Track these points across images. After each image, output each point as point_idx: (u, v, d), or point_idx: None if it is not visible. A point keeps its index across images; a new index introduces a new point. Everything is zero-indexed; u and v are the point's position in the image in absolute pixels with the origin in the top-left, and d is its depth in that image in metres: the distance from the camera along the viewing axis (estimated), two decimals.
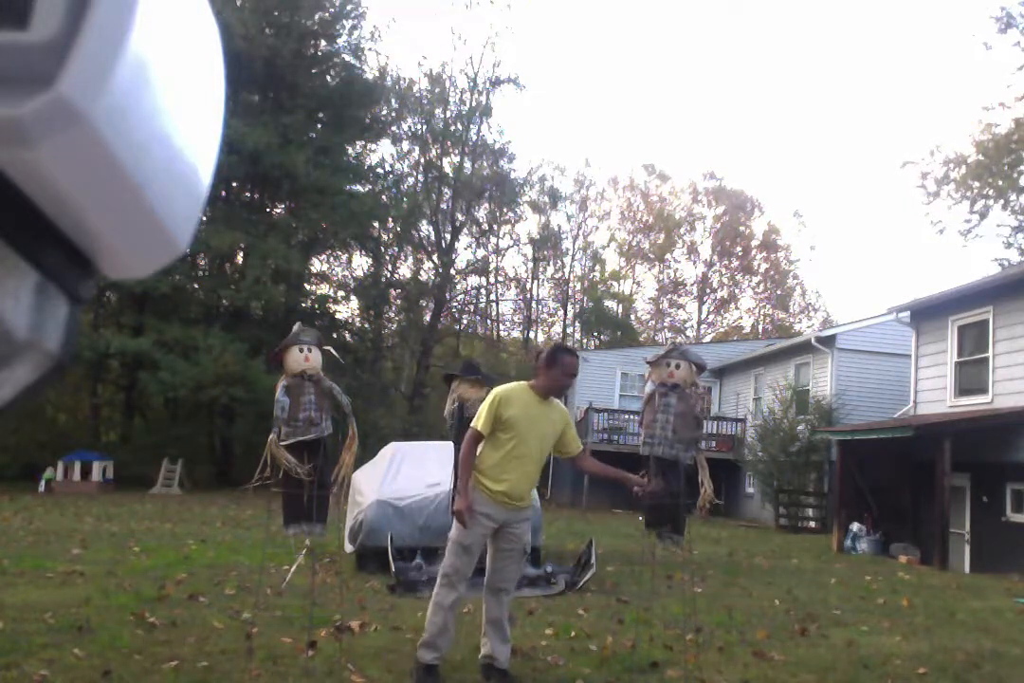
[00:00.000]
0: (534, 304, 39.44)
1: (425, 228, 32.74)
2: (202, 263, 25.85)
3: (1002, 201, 24.51)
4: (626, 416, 20.61)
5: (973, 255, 71.24)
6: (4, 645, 4.60)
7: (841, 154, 66.85)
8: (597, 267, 41.54)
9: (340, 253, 30.52)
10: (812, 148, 66.53)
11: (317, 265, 29.64)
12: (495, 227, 35.47)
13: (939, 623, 6.58)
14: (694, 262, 43.01)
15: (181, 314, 24.40)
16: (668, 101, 66.77)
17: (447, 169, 32.37)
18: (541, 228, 38.23)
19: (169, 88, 0.39)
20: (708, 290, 42.65)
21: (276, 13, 24.96)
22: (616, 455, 16.85)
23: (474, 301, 37.29)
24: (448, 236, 32.21)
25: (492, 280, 37.74)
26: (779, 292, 43.48)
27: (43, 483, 19.92)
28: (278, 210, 27.52)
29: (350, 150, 27.62)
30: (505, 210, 34.78)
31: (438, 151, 32.47)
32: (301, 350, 4.72)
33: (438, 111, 32.33)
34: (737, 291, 43.41)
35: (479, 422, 4.23)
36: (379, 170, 29.36)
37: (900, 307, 14.41)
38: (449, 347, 34.55)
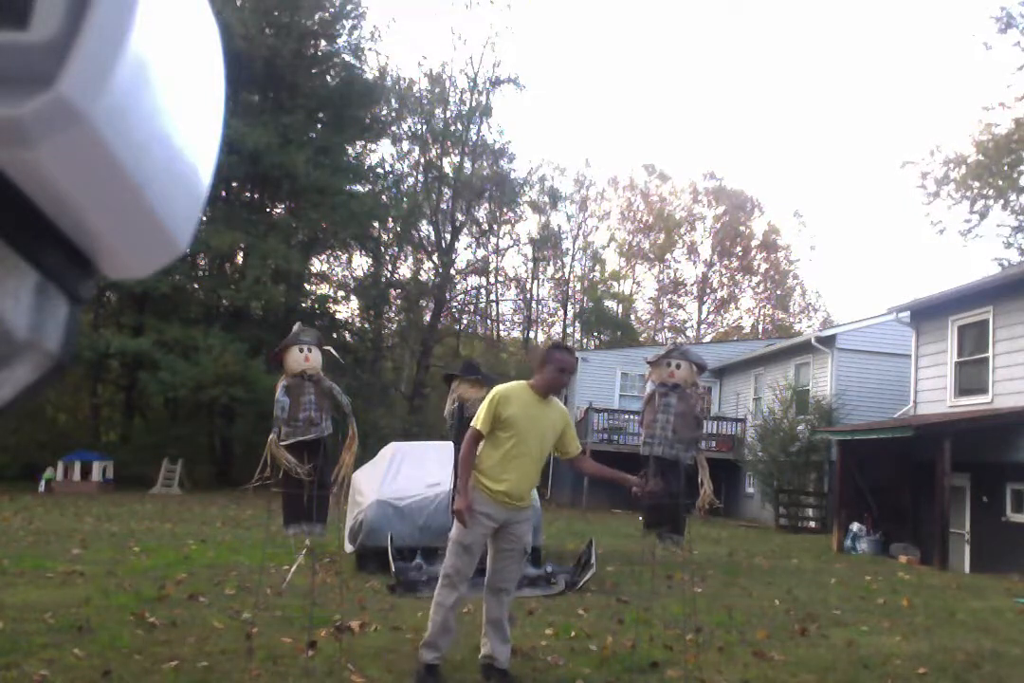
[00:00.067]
0: (534, 304, 39.48)
1: (425, 228, 32.78)
2: (202, 263, 25.85)
3: (1002, 201, 24.51)
4: (626, 416, 20.60)
5: (973, 255, 71.29)
6: (4, 645, 4.60)
7: (841, 154, 66.93)
8: (597, 267, 41.58)
9: (340, 253, 30.53)
10: (812, 148, 66.60)
11: (317, 265, 29.69)
12: (495, 227, 35.50)
13: (939, 623, 6.58)
14: (694, 262, 43.08)
15: (181, 314, 24.40)
16: (668, 101, 66.85)
17: (447, 169, 32.38)
18: (541, 228, 38.25)
19: (169, 88, 0.39)
20: (708, 290, 42.67)
21: (276, 13, 24.96)
22: (616, 455, 16.86)
23: (474, 301, 37.32)
24: (448, 236, 32.22)
25: (492, 280, 37.81)
26: (779, 292, 43.50)
27: (43, 483, 19.92)
28: (278, 210, 27.52)
29: (350, 150, 27.62)
30: (505, 210, 34.80)
31: (438, 151, 32.47)
32: (301, 350, 4.72)
33: (438, 111, 32.34)
34: (737, 291, 43.46)
35: (478, 421, 4.23)
36: (379, 170, 29.38)
37: (900, 307, 14.41)
38: (449, 347, 34.55)
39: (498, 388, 4.35)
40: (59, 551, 8.69)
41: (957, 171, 24.75)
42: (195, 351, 21.68)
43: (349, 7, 26.61)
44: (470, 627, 5.03)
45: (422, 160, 32.80)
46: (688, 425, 4.49)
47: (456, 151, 32.29)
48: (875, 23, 61.51)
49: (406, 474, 8.59)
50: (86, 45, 0.34)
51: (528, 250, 38.45)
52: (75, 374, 23.89)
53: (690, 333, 41.43)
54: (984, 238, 46.62)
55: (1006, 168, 23.81)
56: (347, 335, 29.56)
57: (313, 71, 26.69)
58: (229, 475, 23.09)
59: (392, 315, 32.53)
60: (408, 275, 32.78)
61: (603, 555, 8.78)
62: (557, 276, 40.20)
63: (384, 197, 28.39)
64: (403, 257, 33.39)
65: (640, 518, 4.72)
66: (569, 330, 39.08)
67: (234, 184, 26.03)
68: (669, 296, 42.68)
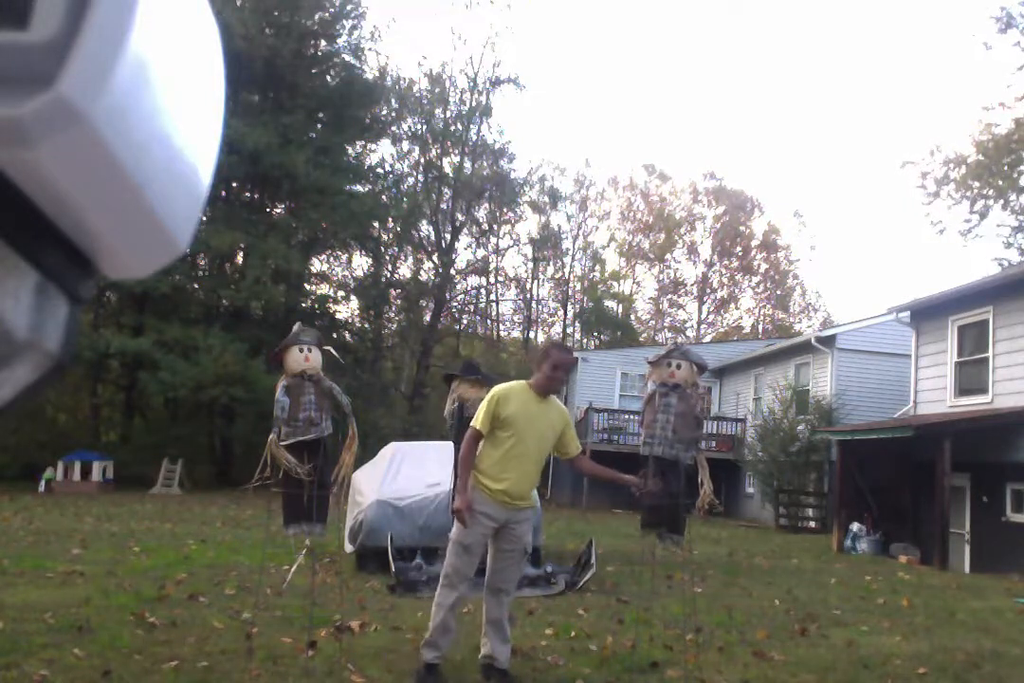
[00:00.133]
0: (534, 304, 39.49)
1: (425, 228, 32.79)
2: (202, 263, 25.85)
3: (1002, 201, 24.51)
4: (626, 416, 20.60)
5: (973, 255, 71.31)
6: (4, 645, 4.60)
7: (841, 154, 66.94)
8: (597, 267, 41.59)
9: (340, 253, 30.53)
10: (812, 148, 66.61)
11: (317, 265, 29.69)
12: (495, 227, 35.51)
13: (939, 623, 6.58)
14: (694, 262, 43.08)
15: (181, 314, 24.40)
16: (668, 101, 66.86)
17: (447, 169, 32.39)
18: (541, 228, 38.26)
19: (169, 88, 0.39)
20: (708, 290, 42.68)
21: (276, 13, 24.96)
22: (616, 455, 16.86)
23: (474, 301, 37.33)
24: (448, 236, 32.22)
25: (492, 280, 37.81)
26: (779, 292, 43.51)
27: (43, 483, 19.92)
28: (278, 210, 27.53)
29: (350, 150, 27.62)
30: (505, 210, 34.80)
31: (438, 151, 32.48)
32: (301, 350, 4.72)
33: (438, 111, 32.35)
34: (737, 291, 43.47)
35: (477, 421, 4.24)
36: (379, 170, 29.39)
37: (900, 307, 14.41)
38: (449, 347, 34.56)
39: (497, 388, 4.36)
40: (59, 551, 8.69)
41: (957, 171, 24.75)
42: (195, 351, 21.68)
43: (349, 7, 26.61)
44: (470, 627, 5.03)
45: (422, 160, 32.82)
46: (688, 425, 4.49)
47: (456, 151, 32.30)
48: (875, 23, 61.55)
49: (406, 474, 8.59)
50: (86, 45, 0.34)
51: (528, 250, 38.50)
52: (75, 374, 23.89)
53: (690, 333, 41.46)
54: (984, 238, 46.67)
55: (1006, 168, 23.81)
56: (347, 335, 29.56)
57: (313, 71, 26.69)
58: (229, 475, 23.09)
59: (392, 315, 32.55)
60: (408, 275, 32.82)
61: (603, 555, 8.78)
62: (557, 276, 40.24)
63: (384, 197, 28.40)
64: (403, 257, 33.42)
65: (640, 518, 4.71)
66: (569, 330, 39.10)
67: (234, 184, 26.03)
68: (669, 296, 42.71)
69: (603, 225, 42.61)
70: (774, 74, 65.41)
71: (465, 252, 34.82)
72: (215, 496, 19.19)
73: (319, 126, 26.34)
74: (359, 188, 27.08)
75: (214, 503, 17.13)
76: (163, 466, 21.14)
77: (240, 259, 25.61)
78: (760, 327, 42.77)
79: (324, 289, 29.68)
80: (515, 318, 39.97)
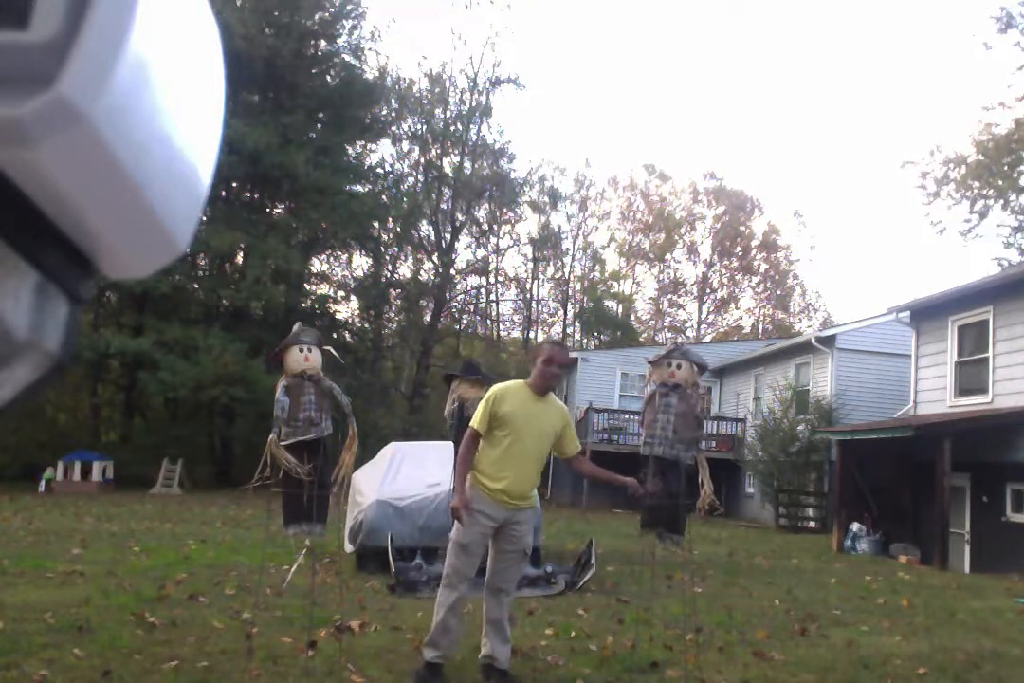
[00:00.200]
0: (534, 304, 39.48)
1: (425, 228, 32.78)
2: (202, 263, 25.85)
3: (1002, 201, 24.50)
4: (626, 416, 20.60)
5: (973, 255, 71.29)
6: (4, 645, 4.60)
7: (841, 154, 66.93)
8: (597, 267, 41.58)
9: (340, 253, 30.53)
10: (812, 148, 66.61)
11: (317, 265, 29.69)
12: (495, 227, 35.51)
13: (939, 623, 6.58)
14: (694, 262, 43.08)
15: (181, 314, 24.40)
16: (668, 101, 66.85)
17: (447, 169, 32.39)
18: (541, 228, 38.26)
19: (169, 88, 0.39)
20: (708, 290, 42.68)
21: (276, 13, 24.96)
22: (616, 455, 16.87)
23: (474, 301, 37.33)
24: (448, 236, 32.22)
25: (492, 280, 37.81)
26: (779, 292, 43.51)
27: (43, 483, 19.92)
28: (278, 210, 27.53)
29: (350, 150, 27.63)
30: (505, 210, 34.80)
31: (438, 151, 32.48)
32: (301, 350, 4.72)
33: (438, 111, 32.35)
34: (737, 291, 43.47)
35: (476, 421, 4.24)
36: (379, 170, 29.39)
37: (900, 307, 14.41)
38: (449, 347, 34.56)
39: (495, 387, 4.37)
40: (59, 551, 8.69)
41: (957, 171, 24.75)
42: (195, 351, 21.68)
43: (349, 7, 26.61)
44: (470, 627, 5.03)
45: (422, 160, 32.81)
46: (688, 425, 4.48)
47: (456, 151, 32.30)
48: (875, 23, 61.55)
49: (406, 474, 8.59)
50: (86, 45, 0.34)
51: (528, 250, 38.50)
52: (75, 374, 23.89)
53: (690, 333, 41.45)
54: (984, 238, 46.64)
55: (1006, 168, 23.81)
56: (347, 335, 29.56)
57: (313, 71, 26.69)
58: (229, 475, 23.09)
59: (392, 315, 32.55)
60: (408, 275, 32.82)
61: (603, 555, 8.78)
62: (557, 276, 40.23)
63: (384, 197, 28.39)
64: (403, 257, 33.42)
65: (640, 518, 4.71)
66: (569, 330, 39.09)
67: (234, 184, 26.03)
68: (669, 296, 42.70)
69: (603, 225, 42.67)
70: (774, 74, 65.47)
71: (465, 252, 34.89)
72: (215, 496, 19.19)
73: (319, 126, 26.34)
74: (359, 188, 27.09)
75: (214, 503, 17.13)
76: (163, 466, 21.14)
77: (240, 259, 25.61)
78: (760, 327, 42.78)
79: (324, 289, 29.71)
80: (515, 318, 40.03)
